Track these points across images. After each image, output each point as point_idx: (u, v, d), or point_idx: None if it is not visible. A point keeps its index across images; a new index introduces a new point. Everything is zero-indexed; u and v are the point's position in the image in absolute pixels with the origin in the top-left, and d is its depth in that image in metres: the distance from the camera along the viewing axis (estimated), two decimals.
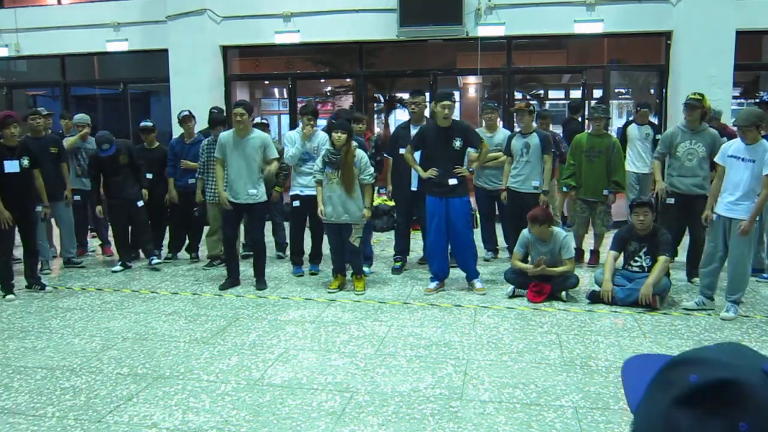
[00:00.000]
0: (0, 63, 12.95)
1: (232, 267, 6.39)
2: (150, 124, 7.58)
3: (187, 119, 7.40)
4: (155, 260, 7.12)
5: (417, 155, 6.12)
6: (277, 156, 6.31)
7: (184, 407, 3.65)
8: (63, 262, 7.31)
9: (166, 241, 7.73)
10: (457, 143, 5.87)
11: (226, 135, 6.19)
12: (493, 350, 4.51)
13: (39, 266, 6.62)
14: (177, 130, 8.16)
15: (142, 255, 7.43)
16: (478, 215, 7.59)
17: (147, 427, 3.41)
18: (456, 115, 6.92)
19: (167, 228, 7.72)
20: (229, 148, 6.10)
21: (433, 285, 6.05)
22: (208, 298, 5.97)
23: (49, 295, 6.16)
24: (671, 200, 6.14)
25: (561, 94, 15.67)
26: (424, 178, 6.01)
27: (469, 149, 6.16)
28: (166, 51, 10.63)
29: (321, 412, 3.54)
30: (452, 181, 5.86)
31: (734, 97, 10.29)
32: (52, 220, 7.19)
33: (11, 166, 5.97)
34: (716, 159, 5.36)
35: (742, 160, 5.09)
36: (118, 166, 6.90)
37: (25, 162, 6.07)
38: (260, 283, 6.30)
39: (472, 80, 13.34)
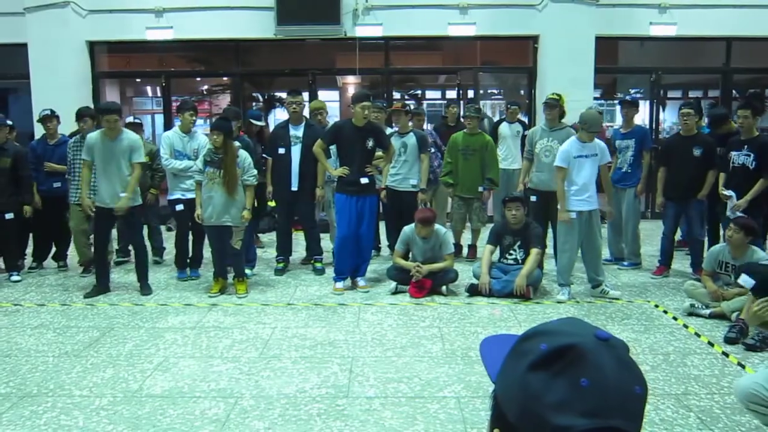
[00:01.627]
0: None
1: (101, 273, 6.07)
2: (8, 122, 7.01)
3: (48, 119, 6.92)
4: (15, 277, 6.61)
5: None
6: (142, 161, 6.05)
7: (55, 425, 3.42)
8: None
9: (30, 250, 7.20)
10: (370, 143, 5.99)
11: (94, 136, 5.87)
12: (377, 347, 4.58)
13: None
14: (39, 131, 7.61)
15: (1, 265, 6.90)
16: None
17: None
18: (336, 115, 6.97)
19: (30, 236, 7.20)
20: (98, 149, 5.80)
21: (340, 284, 6.04)
22: (78, 309, 5.64)
23: None
24: (534, 197, 6.52)
25: (438, 94, 16.11)
26: (333, 177, 6.13)
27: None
28: (25, 45, 9.89)
29: (204, 420, 3.45)
30: (364, 180, 5.96)
31: (595, 98, 11.03)
32: None
33: None
34: (559, 163, 5.68)
35: (586, 157, 5.64)
36: None
37: None
38: (144, 288, 6.05)
39: (351, 80, 13.43)
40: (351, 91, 14.83)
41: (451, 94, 13.10)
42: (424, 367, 4.18)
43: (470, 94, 10.58)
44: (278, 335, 4.85)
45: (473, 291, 5.82)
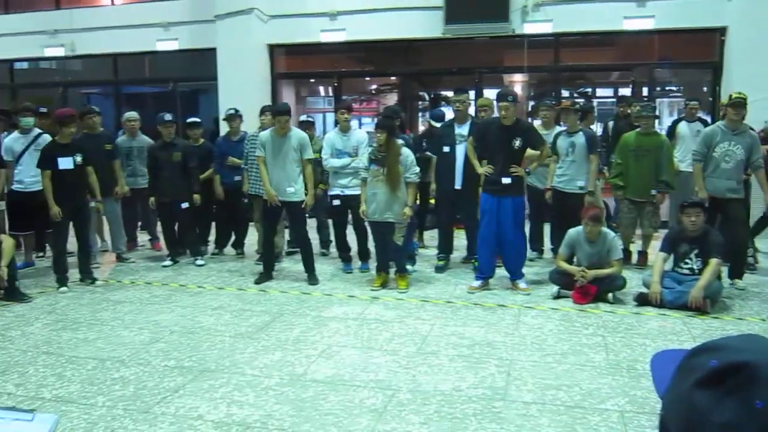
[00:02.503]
0: (57, 63, 13.37)
1: (267, 262, 6.49)
2: (197, 119, 7.71)
3: (232, 118, 7.52)
4: (199, 262, 7.25)
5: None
6: (312, 157, 6.40)
7: (229, 400, 3.71)
8: (116, 257, 7.51)
9: (212, 237, 7.88)
10: (517, 143, 5.81)
11: (265, 134, 6.32)
12: (536, 351, 4.46)
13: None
14: (224, 129, 8.28)
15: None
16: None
17: (192, 418, 3.48)
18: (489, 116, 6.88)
19: (213, 225, 7.86)
20: (268, 146, 6.21)
21: (477, 283, 6.02)
22: (252, 294, 6.06)
23: (101, 288, 6.34)
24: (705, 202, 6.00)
25: (610, 92, 15.35)
26: (479, 174, 6.02)
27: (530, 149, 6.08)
28: (214, 50, 10.80)
29: (363, 409, 3.56)
30: (506, 180, 5.81)
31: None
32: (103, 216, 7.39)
33: (65, 163, 6.17)
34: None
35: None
36: (171, 164, 7.03)
37: (78, 159, 6.26)
38: (311, 278, 6.39)
39: (518, 78, 13.18)
40: (518, 89, 14.56)
41: (624, 91, 12.41)
42: (585, 376, 4.01)
43: (644, 91, 9.97)
44: (436, 332, 4.88)
45: (642, 300, 5.47)
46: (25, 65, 13.85)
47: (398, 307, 5.58)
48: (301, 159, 6.28)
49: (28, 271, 6.91)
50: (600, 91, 15.32)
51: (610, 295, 5.61)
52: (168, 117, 7.20)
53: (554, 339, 4.70)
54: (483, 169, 5.92)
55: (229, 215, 7.60)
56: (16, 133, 6.94)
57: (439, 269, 6.74)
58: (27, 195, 6.66)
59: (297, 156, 6.25)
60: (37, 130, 6.97)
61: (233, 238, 7.81)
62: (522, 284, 5.97)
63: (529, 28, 9.56)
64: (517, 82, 13.72)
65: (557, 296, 5.75)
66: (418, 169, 6.09)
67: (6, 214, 6.92)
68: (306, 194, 6.33)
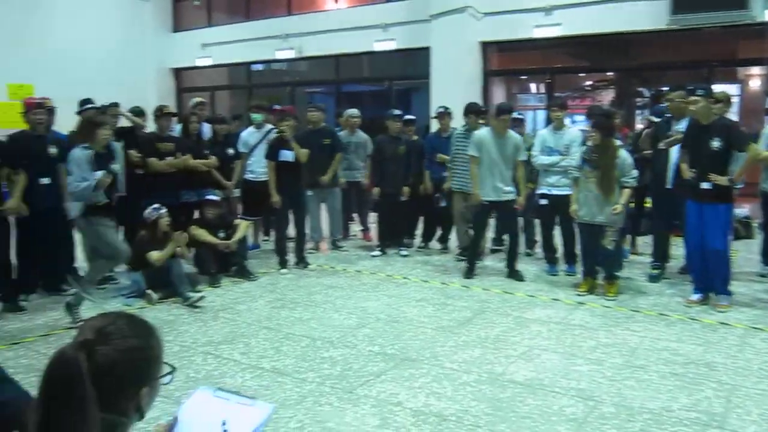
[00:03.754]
0: (286, 64, 14.63)
1: (471, 260, 6.62)
2: (412, 117, 7.97)
3: (442, 115, 7.69)
4: (404, 252, 7.51)
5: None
6: (525, 158, 6.46)
7: (428, 391, 3.80)
8: (332, 244, 8.05)
9: (419, 231, 8.12)
10: (715, 143, 5.19)
11: (483, 133, 6.37)
12: (764, 379, 3.98)
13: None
14: (435, 126, 8.47)
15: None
16: (755, 224, 6.74)
17: (393, 404, 3.62)
18: (735, 112, 6.23)
19: (421, 219, 8.10)
20: (486, 146, 6.25)
21: (695, 297, 5.52)
22: (455, 289, 6.14)
23: (316, 272, 6.83)
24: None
25: None
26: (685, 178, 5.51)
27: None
28: (428, 49, 11.09)
29: (561, 417, 3.45)
30: (705, 185, 5.26)
31: None
32: (323, 206, 7.92)
33: (286, 156, 6.72)
34: None
35: None
36: (397, 157, 7.40)
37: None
38: (512, 273, 6.44)
39: (756, 71, 11.84)
40: (755, 84, 13.09)
41: None
42: None
43: None
44: (647, 345, 4.57)
45: None
46: (260, 67, 15.35)
47: (605, 315, 5.31)
48: (515, 159, 6.37)
49: (255, 253, 7.67)
50: None
51: None
52: (397, 112, 7.65)
53: None
54: (687, 173, 5.39)
55: (436, 210, 7.79)
56: (251, 128, 7.70)
57: (653, 278, 6.29)
58: (258, 184, 7.36)
59: (514, 157, 6.35)
60: (269, 126, 7.66)
61: (439, 232, 7.98)
62: (723, 300, 5.36)
63: None
64: (754, 76, 12.34)
65: None
66: (636, 173, 5.73)
67: (240, 201, 7.73)
68: (519, 194, 6.35)
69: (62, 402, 1.19)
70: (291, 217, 7.04)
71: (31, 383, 1.49)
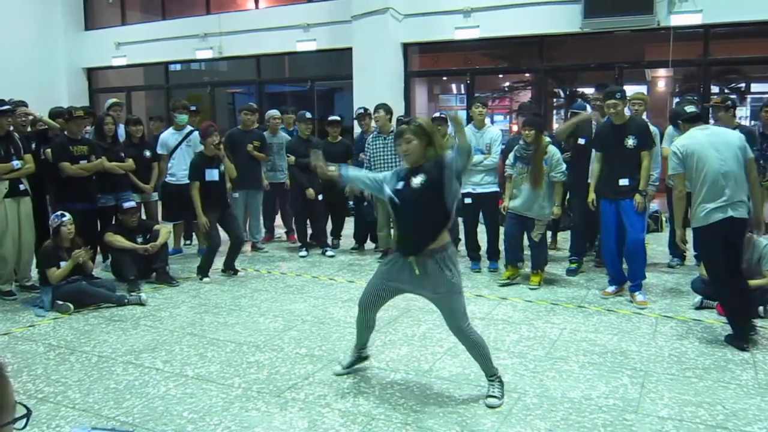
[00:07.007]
0: (205, 64, 14.32)
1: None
2: (338, 117, 7.96)
3: (362, 116, 7.74)
4: (329, 252, 7.48)
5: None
6: None
7: (356, 391, 3.80)
8: (252, 246, 7.93)
9: (345, 232, 8.11)
10: (630, 141, 5.46)
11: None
12: (674, 364, 4.20)
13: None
14: (357, 127, 8.48)
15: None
16: (664, 217, 7.10)
17: (321, 406, 3.60)
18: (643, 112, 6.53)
19: (346, 220, 8.12)
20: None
21: (611, 289, 5.76)
22: None
23: (240, 276, 6.71)
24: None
25: (766, 87, 14.12)
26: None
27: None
28: (350, 49, 11.10)
29: (487, 410, 3.52)
30: (623, 182, 5.52)
31: None
32: (244, 208, 7.80)
33: (212, 175, 6.39)
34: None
35: None
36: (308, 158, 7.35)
37: (222, 169, 6.50)
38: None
39: (662, 73, 12.47)
40: (662, 85, 13.77)
41: None
42: (729, 395, 3.72)
43: None
44: (566, 337, 4.73)
45: None
46: (178, 67, 14.97)
47: (527, 309, 5.46)
48: None
49: (177, 258, 7.46)
50: (755, 87, 14.14)
51: (761, 308, 5.17)
52: (308, 114, 7.59)
53: (695, 352, 4.40)
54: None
55: (348, 209, 7.99)
56: (171, 129, 7.49)
57: (571, 272, 6.53)
58: (179, 187, 7.17)
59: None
60: (189, 127, 7.49)
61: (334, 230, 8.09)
62: (639, 296, 5.56)
63: (677, 20, 9.01)
64: (660, 78, 12.99)
65: (700, 307, 5.37)
66: (564, 167, 5.96)
67: (160, 204, 7.50)
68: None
69: None
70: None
71: None
